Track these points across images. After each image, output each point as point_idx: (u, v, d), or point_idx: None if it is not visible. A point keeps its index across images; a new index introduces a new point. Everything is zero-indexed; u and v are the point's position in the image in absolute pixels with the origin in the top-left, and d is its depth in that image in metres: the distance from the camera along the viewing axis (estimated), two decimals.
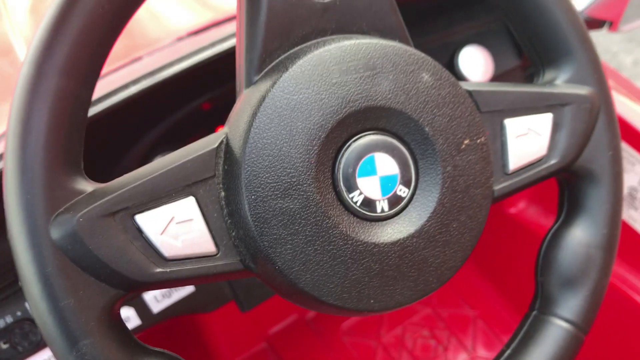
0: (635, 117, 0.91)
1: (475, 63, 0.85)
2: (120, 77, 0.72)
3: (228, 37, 0.66)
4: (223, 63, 0.65)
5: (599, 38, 2.55)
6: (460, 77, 0.85)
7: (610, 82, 1.01)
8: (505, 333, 1.25)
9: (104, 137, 0.68)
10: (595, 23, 0.91)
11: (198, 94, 0.76)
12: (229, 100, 0.81)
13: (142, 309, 0.77)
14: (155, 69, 0.63)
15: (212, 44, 0.65)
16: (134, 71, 0.72)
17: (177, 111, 0.76)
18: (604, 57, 2.50)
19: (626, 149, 0.94)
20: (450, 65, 0.86)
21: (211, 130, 0.81)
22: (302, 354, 1.25)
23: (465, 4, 0.92)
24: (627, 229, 1.00)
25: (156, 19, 1.02)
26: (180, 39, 0.88)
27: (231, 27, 0.85)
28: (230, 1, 1.08)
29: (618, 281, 1.01)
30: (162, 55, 0.80)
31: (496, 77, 0.89)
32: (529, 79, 0.98)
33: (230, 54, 0.65)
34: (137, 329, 0.78)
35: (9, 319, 0.72)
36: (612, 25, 0.90)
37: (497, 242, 1.24)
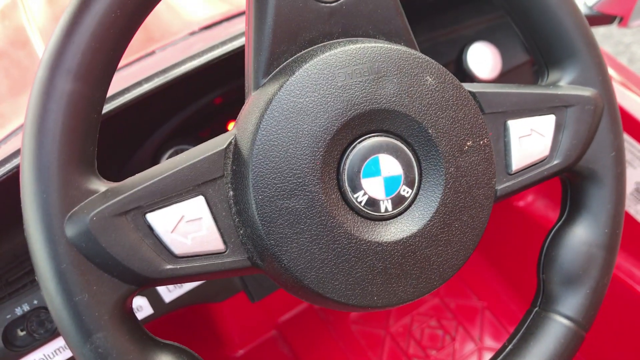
0: None
1: (483, 60, 0.85)
2: (133, 72, 0.73)
3: (240, 35, 0.67)
4: (234, 60, 0.66)
5: (612, 30, 2.52)
6: (468, 73, 0.85)
7: (620, 78, 1.01)
8: (512, 324, 1.26)
9: (118, 132, 0.69)
10: (605, 18, 0.91)
11: (210, 90, 0.77)
12: (240, 95, 0.82)
13: (155, 299, 0.79)
14: (168, 67, 0.64)
15: (224, 42, 0.66)
16: (147, 67, 0.74)
17: (189, 106, 0.77)
18: (617, 49, 2.48)
19: (634, 145, 0.94)
20: (459, 61, 0.87)
21: (222, 124, 0.83)
22: (312, 342, 1.27)
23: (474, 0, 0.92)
24: (634, 223, 1.00)
25: (172, 11, 1.03)
26: (192, 33, 0.89)
27: (243, 22, 0.86)
28: None
29: (625, 276, 1.01)
30: (174, 50, 0.82)
31: (504, 73, 0.89)
32: (537, 74, 0.99)
33: (241, 51, 0.66)
34: (149, 318, 0.80)
35: (26, 307, 0.74)
36: (622, 20, 0.90)
37: (505, 234, 1.25)
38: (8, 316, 0.73)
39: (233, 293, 0.86)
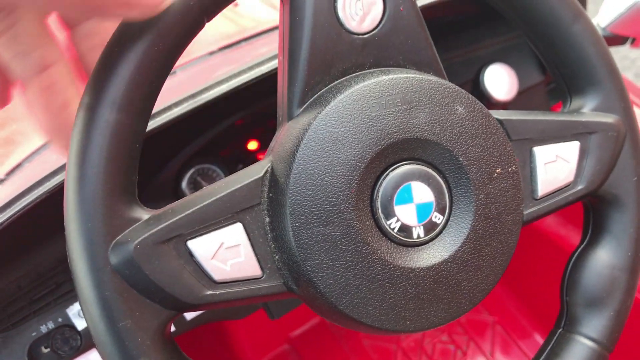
0: None
1: (500, 81, 0.86)
2: None
3: (265, 61, 0.69)
4: (258, 85, 0.67)
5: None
6: (485, 95, 0.87)
7: (635, 99, 1.02)
8: (523, 339, 1.27)
9: (144, 154, 0.71)
10: (618, 39, 0.92)
11: (232, 113, 0.78)
12: (260, 116, 0.84)
13: None
14: (196, 91, 0.65)
15: (251, 67, 0.68)
16: (169, 87, 0.75)
17: (212, 129, 0.78)
18: (623, 64, 2.50)
19: None
20: (476, 83, 0.88)
21: (241, 144, 0.84)
22: (324, 356, 1.27)
23: (489, 20, 0.94)
24: None
25: None
26: (211, 52, 0.90)
27: (261, 44, 0.88)
28: (259, 13, 1.10)
29: None
30: (196, 71, 0.83)
31: (520, 93, 0.91)
32: (551, 93, 1.00)
33: (267, 77, 0.68)
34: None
35: (51, 325, 0.75)
36: (635, 41, 0.92)
37: (516, 251, 1.26)
38: (33, 334, 0.74)
39: (253, 310, 0.87)
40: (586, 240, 0.59)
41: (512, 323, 1.28)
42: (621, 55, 2.51)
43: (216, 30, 1.07)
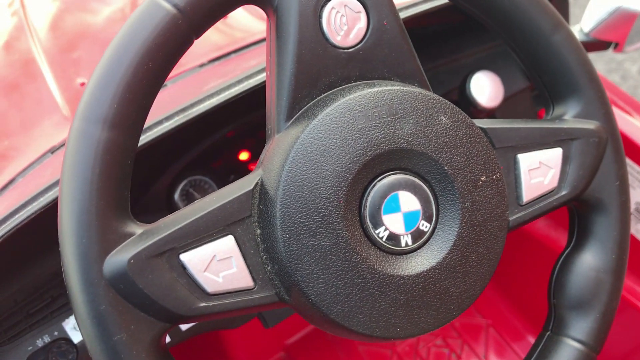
0: None
1: (485, 88, 0.88)
2: None
3: (254, 74, 0.70)
4: (249, 97, 0.68)
5: None
6: (471, 102, 0.88)
7: (619, 102, 1.04)
8: (516, 341, 1.28)
9: (137, 168, 0.71)
10: (601, 44, 0.94)
11: (223, 125, 0.80)
12: (251, 127, 0.85)
13: None
14: (187, 105, 0.66)
15: (240, 81, 0.69)
16: (160, 100, 0.76)
17: (203, 141, 0.79)
18: (609, 66, 2.52)
19: (633, 167, 0.97)
20: (462, 90, 0.89)
21: (233, 154, 0.85)
22: None
23: (474, 28, 0.95)
24: (636, 242, 1.03)
25: None
26: (202, 65, 0.91)
27: (250, 56, 0.89)
28: (249, 24, 1.11)
29: (628, 294, 1.03)
30: (186, 83, 0.84)
31: (505, 99, 0.92)
32: (536, 99, 1.02)
33: (257, 89, 0.69)
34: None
35: (47, 339, 0.75)
36: (618, 46, 0.93)
37: (509, 254, 1.27)
38: (29, 348, 0.75)
39: (248, 319, 0.88)
40: (572, 244, 0.60)
41: (506, 326, 1.30)
42: (608, 57, 2.53)
43: (207, 41, 1.08)
